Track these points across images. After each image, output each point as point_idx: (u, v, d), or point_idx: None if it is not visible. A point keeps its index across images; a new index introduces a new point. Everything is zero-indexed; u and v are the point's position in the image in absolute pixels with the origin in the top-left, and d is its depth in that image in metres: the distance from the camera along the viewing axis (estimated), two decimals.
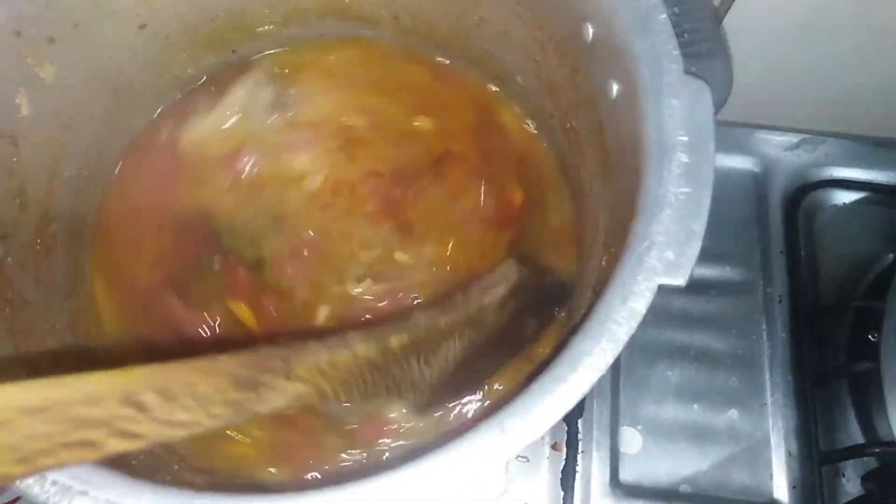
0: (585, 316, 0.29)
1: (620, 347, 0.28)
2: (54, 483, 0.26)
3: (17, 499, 0.66)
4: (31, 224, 0.44)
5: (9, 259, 0.40)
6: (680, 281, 0.28)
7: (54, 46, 0.43)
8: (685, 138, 0.31)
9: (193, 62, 0.54)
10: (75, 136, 0.47)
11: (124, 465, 0.29)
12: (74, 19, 0.44)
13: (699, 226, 0.29)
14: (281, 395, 0.29)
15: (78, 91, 0.47)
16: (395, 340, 0.34)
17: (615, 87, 0.37)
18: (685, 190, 0.30)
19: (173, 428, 0.26)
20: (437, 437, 0.26)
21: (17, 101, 0.42)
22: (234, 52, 0.55)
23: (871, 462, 0.56)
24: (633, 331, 0.28)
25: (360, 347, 0.32)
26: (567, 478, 0.57)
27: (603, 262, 0.38)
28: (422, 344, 0.35)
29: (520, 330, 0.42)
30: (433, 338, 0.35)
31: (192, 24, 0.51)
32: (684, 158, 0.30)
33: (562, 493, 0.56)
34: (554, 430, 0.59)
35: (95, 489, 0.27)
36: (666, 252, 0.29)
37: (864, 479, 0.54)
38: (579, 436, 0.58)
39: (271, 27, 0.55)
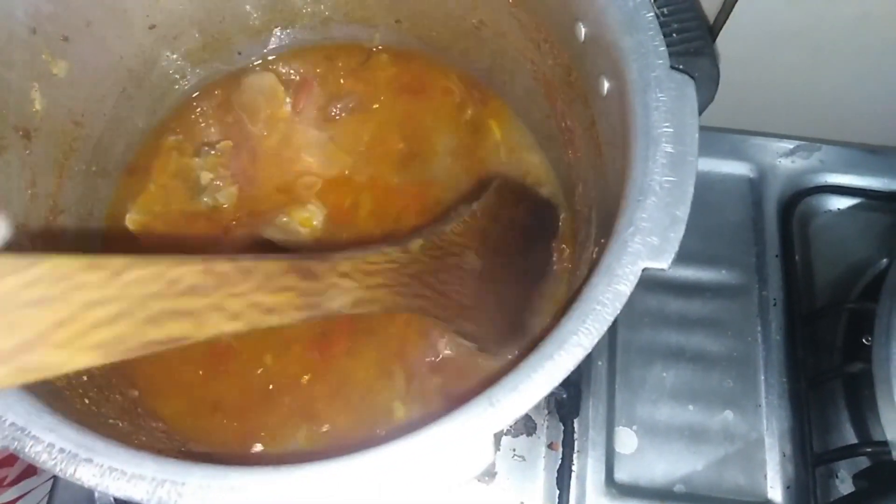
0: (573, 298, 0.30)
1: (605, 328, 0.29)
2: (62, 451, 0.28)
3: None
4: (41, 215, 0.45)
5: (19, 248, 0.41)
6: (664, 264, 0.29)
7: (68, 44, 0.45)
8: (670, 129, 0.32)
9: (201, 62, 0.56)
10: (85, 131, 0.49)
11: (133, 443, 0.30)
12: (87, 18, 0.45)
13: (683, 212, 0.30)
14: (341, 293, 0.34)
15: (89, 88, 0.48)
16: (414, 244, 0.40)
17: (606, 84, 0.38)
18: (670, 178, 0.31)
19: (257, 312, 0.30)
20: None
21: (31, 95, 0.43)
22: (239, 53, 0.57)
23: (863, 462, 0.57)
24: (617, 312, 0.29)
25: (388, 249, 0.39)
26: (563, 477, 0.57)
27: (594, 254, 0.39)
28: (435, 249, 0.42)
29: (526, 254, 0.48)
30: (443, 244, 0.42)
31: (200, 25, 0.53)
32: (669, 148, 0.31)
33: (557, 492, 0.57)
34: (550, 429, 0.59)
35: (100, 457, 0.28)
36: (650, 237, 0.30)
37: (856, 476, 0.55)
38: (575, 435, 0.59)
39: (276, 30, 0.57)
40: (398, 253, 0.39)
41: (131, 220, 0.52)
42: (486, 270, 0.45)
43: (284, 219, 0.52)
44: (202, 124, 0.57)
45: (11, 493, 0.68)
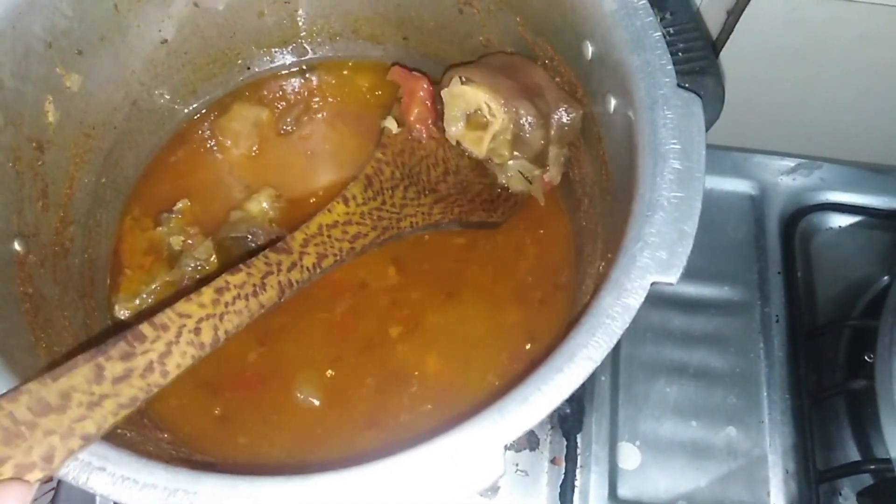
0: (582, 311, 0.31)
1: (614, 341, 0.29)
2: (75, 459, 0.28)
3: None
4: (52, 225, 0.45)
5: (30, 256, 0.42)
6: (672, 279, 0.30)
7: (82, 58, 0.45)
8: (678, 146, 0.32)
9: (211, 77, 0.56)
10: (96, 144, 0.50)
11: (142, 452, 0.30)
12: (101, 33, 0.46)
13: (691, 227, 0.31)
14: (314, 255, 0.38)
15: (101, 101, 0.49)
16: (352, 189, 0.44)
17: (613, 102, 0.39)
18: (677, 194, 0.31)
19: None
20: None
21: (45, 107, 0.44)
22: (248, 68, 0.58)
23: (867, 479, 0.57)
24: (626, 325, 0.29)
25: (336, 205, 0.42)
26: (566, 492, 0.57)
27: (601, 268, 0.39)
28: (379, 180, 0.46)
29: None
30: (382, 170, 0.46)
31: (211, 40, 0.54)
32: (676, 165, 0.32)
33: None
34: (553, 445, 0.59)
35: (112, 466, 0.28)
36: (658, 252, 0.30)
37: (860, 494, 0.55)
38: (578, 450, 0.59)
39: (285, 46, 0.58)
40: (342, 205, 0.42)
41: (120, 312, 0.50)
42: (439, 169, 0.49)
43: (238, 213, 0.53)
44: (207, 136, 0.57)
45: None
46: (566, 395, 0.28)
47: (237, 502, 0.27)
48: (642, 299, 0.30)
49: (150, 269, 0.52)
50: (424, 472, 0.28)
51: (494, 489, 0.57)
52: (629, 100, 0.36)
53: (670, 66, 0.35)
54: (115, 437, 0.35)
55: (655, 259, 0.30)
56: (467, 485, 0.27)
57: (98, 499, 0.56)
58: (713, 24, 0.60)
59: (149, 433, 0.43)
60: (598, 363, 0.29)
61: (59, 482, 0.57)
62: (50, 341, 0.40)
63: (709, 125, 0.36)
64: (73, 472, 0.28)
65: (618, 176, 0.39)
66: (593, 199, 0.45)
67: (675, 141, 0.33)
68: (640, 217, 0.31)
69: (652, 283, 0.30)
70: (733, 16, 0.58)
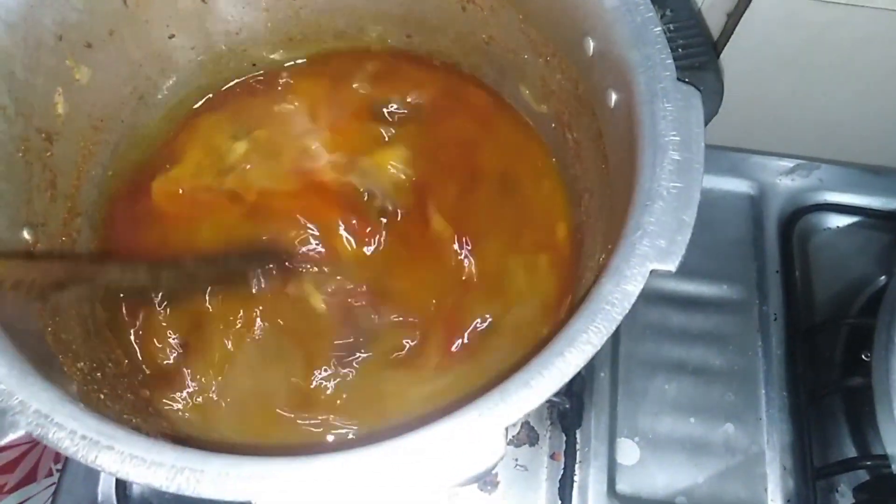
0: (583, 299, 0.31)
1: (614, 326, 0.30)
2: (84, 438, 0.28)
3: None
4: (60, 216, 0.46)
5: (38, 245, 0.42)
6: (671, 266, 0.30)
7: (91, 51, 0.46)
8: (677, 138, 0.33)
9: (217, 73, 0.57)
10: (103, 137, 0.50)
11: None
12: (110, 27, 0.47)
13: (689, 216, 0.31)
14: None
15: (109, 95, 0.50)
16: None
17: (614, 96, 0.40)
18: (676, 184, 0.32)
19: None
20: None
21: (55, 99, 0.45)
22: (254, 64, 0.58)
23: (863, 475, 0.57)
24: (626, 311, 0.30)
25: None
26: (565, 488, 0.57)
27: (601, 259, 0.40)
28: None
29: None
30: None
31: (217, 36, 0.55)
32: (676, 156, 0.33)
33: (559, 502, 0.57)
34: (553, 440, 0.60)
35: (121, 445, 0.28)
36: (658, 240, 0.31)
37: (857, 490, 0.55)
38: (577, 446, 0.59)
39: (291, 42, 0.58)
40: None
41: (157, 186, 0.53)
42: None
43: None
44: (215, 133, 0.58)
45: (11, 500, 0.68)
46: (566, 378, 0.29)
47: (243, 481, 0.28)
48: (641, 286, 0.30)
49: (202, 167, 0.54)
50: (427, 454, 0.28)
51: (494, 484, 0.58)
52: (629, 94, 0.37)
53: (670, 61, 0.35)
54: (121, 422, 0.36)
55: (655, 247, 0.31)
56: (469, 466, 0.28)
57: (100, 494, 0.56)
58: (713, 26, 0.61)
59: (153, 421, 0.43)
60: (598, 348, 0.30)
61: (61, 478, 0.58)
62: (57, 329, 0.40)
63: (708, 119, 0.36)
64: (82, 450, 0.28)
65: (618, 169, 0.40)
66: (594, 193, 0.46)
67: (674, 133, 0.33)
68: (639, 207, 0.32)
69: (651, 271, 0.31)
70: (733, 18, 0.59)
